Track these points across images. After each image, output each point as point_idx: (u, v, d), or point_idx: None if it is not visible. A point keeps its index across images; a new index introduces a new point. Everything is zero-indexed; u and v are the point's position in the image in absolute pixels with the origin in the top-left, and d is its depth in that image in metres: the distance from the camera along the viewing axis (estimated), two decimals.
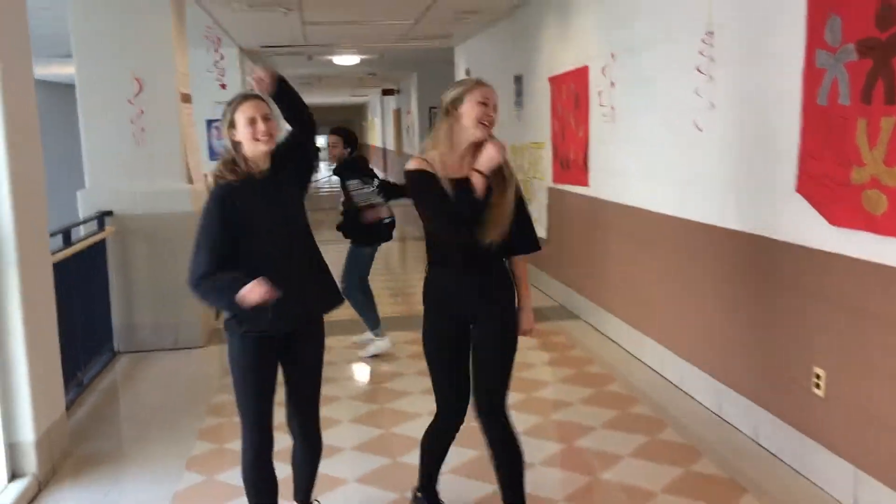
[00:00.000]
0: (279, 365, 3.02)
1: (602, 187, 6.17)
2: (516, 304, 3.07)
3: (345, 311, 4.28)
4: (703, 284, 4.59)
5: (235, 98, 2.96)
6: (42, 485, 3.83)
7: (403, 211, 5.73)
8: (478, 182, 2.82)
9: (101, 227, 5.98)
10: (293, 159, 3.04)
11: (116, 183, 6.10)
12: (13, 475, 3.74)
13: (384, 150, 26.87)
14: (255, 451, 2.97)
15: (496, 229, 2.86)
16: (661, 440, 4.19)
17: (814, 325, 3.57)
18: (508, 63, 8.84)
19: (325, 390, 3.27)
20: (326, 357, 3.16)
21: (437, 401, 3.10)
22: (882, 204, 3.04)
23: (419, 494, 3.35)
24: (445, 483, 3.44)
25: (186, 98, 6.46)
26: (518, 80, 8.41)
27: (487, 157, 2.83)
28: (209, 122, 11.33)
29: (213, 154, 11.37)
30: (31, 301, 3.81)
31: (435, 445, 3.22)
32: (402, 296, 8.20)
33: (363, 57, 13.49)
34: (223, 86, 10.01)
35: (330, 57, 13.41)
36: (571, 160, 6.76)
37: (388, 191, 5.83)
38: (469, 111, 2.87)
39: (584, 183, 6.52)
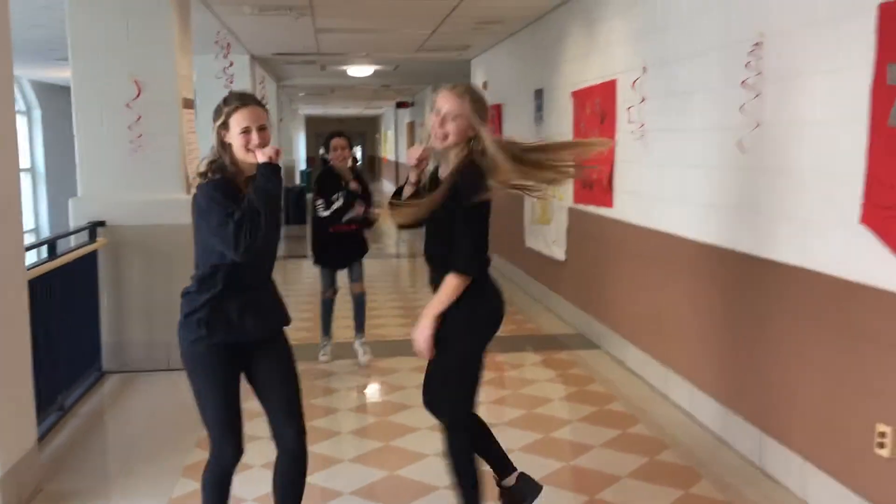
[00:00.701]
0: (252, 382, 2.96)
1: (628, 209, 5.76)
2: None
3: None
4: (743, 321, 4.17)
5: (232, 98, 2.85)
6: None
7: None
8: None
9: (93, 238, 5.62)
10: None
11: (110, 191, 5.74)
12: None
13: (396, 163, 26.56)
14: (222, 466, 2.91)
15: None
16: (694, 495, 3.76)
17: (879, 376, 3.14)
18: (528, 76, 8.46)
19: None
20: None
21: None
22: None
23: None
24: None
25: (188, 103, 6.10)
26: (538, 94, 8.03)
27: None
28: None
29: None
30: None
31: None
32: (411, 317, 7.80)
33: (377, 68, 13.17)
34: None
35: (344, 68, 13.10)
36: (595, 180, 6.36)
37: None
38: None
39: (608, 204, 6.11)
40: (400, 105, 21.02)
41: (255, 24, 8.56)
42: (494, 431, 4.14)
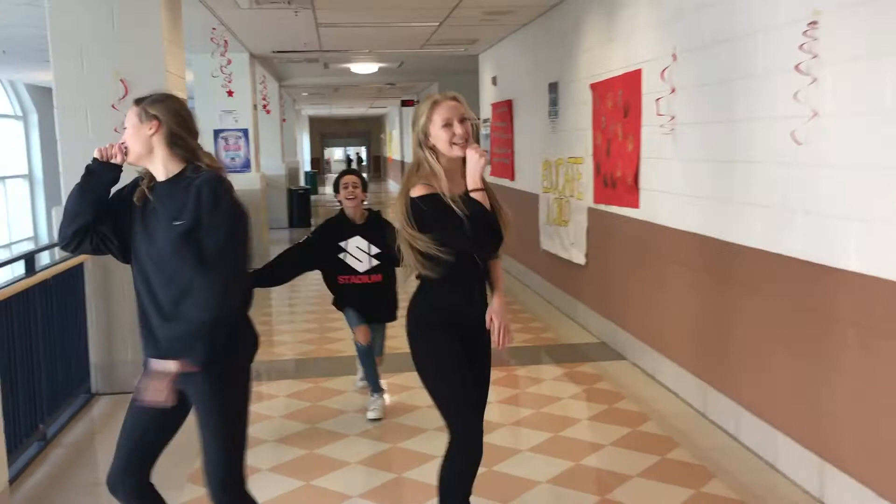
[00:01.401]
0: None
1: (656, 210, 5.31)
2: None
3: None
4: (801, 335, 3.71)
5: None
6: None
7: None
8: (481, 197, 2.83)
9: None
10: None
11: None
12: None
13: (402, 163, 26.13)
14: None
15: (508, 234, 2.93)
16: None
17: None
18: (541, 69, 8.01)
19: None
20: None
21: (455, 426, 2.92)
22: None
23: None
24: None
25: None
26: (553, 87, 7.58)
27: (472, 169, 2.83)
28: (216, 133, 10.62)
29: None
30: None
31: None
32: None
33: (382, 65, 12.74)
34: (230, 93, 9.27)
35: (347, 65, 12.67)
36: (618, 178, 5.91)
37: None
38: (438, 139, 2.86)
39: (634, 204, 5.66)
40: (405, 103, 20.58)
41: (253, 19, 8.14)
42: (515, 459, 3.77)
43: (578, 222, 6.89)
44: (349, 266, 4.69)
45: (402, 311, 3.65)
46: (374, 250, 4.69)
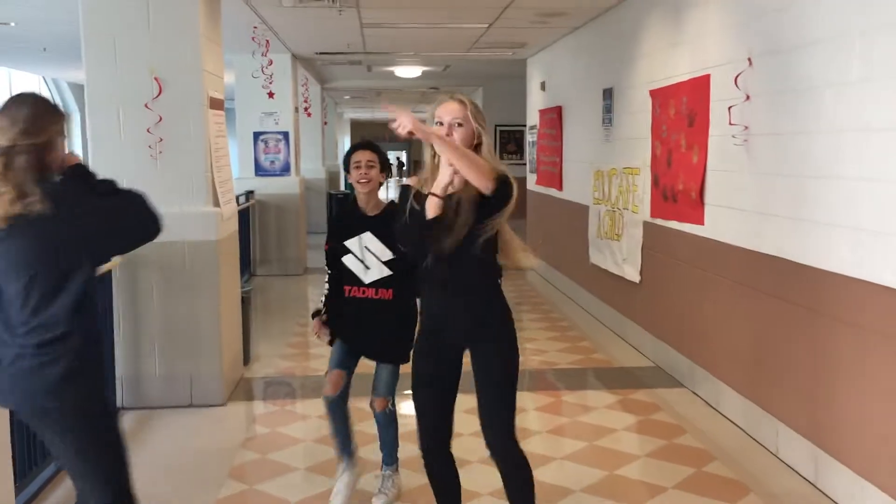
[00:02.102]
0: None
1: (723, 227, 4.89)
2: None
3: None
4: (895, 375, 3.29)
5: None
6: None
7: None
8: (430, 204, 2.79)
9: None
10: None
11: None
12: None
13: None
14: None
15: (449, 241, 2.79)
16: None
17: None
18: (595, 74, 7.61)
19: None
20: None
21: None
22: None
23: None
24: None
25: (217, 104, 5.39)
26: (607, 93, 7.18)
27: (438, 180, 2.78)
28: (256, 135, 10.39)
29: (259, 169, 10.41)
30: None
31: None
32: None
33: (426, 69, 12.42)
34: (271, 94, 9.00)
35: (391, 69, 12.38)
36: (679, 191, 5.50)
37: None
38: None
39: (697, 220, 5.24)
40: None
41: (296, 19, 7.86)
42: (569, 500, 3.48)
43: (633, 237, 6.48)
44: (352, 273, 3.55)
45: None
46: (387, 255, 3.50)
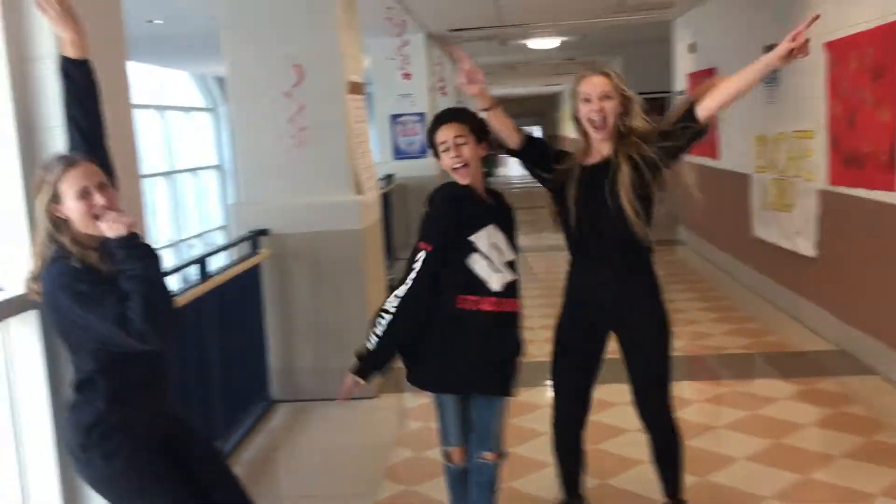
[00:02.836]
0: None
1: None
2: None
3: None
4: None
5: (54, 163, 2.15)
6: None
7: None
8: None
9: (255, 248, 4.89)
10: None
11: (273, 194, 4.99)
12: None
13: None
14: None
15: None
16: None
17: None
18: (755, 31, 6.95)
19: None
20: None
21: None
22: None
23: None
24: None
25: (356, 88, 5.23)
26: (770, 50, 6.51)
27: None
28: (393, 118, 10.30)
29: (397, 153, 10.33)
30: None
31: None
32: None
33: (564, 39, 11.94)
34: (407, 75, 8.85)
35: (525, 41, 11.98)
36: (866, 154, 4.87)
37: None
38: (581, 113, 2.87)
39: (889, 186, 4.62)
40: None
41: None
42: None
43: (806, 207, 5.86)
44: (475, 280, 2.69)
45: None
46: (511, 254, 2.79)
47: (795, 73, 6.00)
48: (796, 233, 6.09)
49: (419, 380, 2.83)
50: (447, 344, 2.71)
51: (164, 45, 10.89)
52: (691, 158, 9.03)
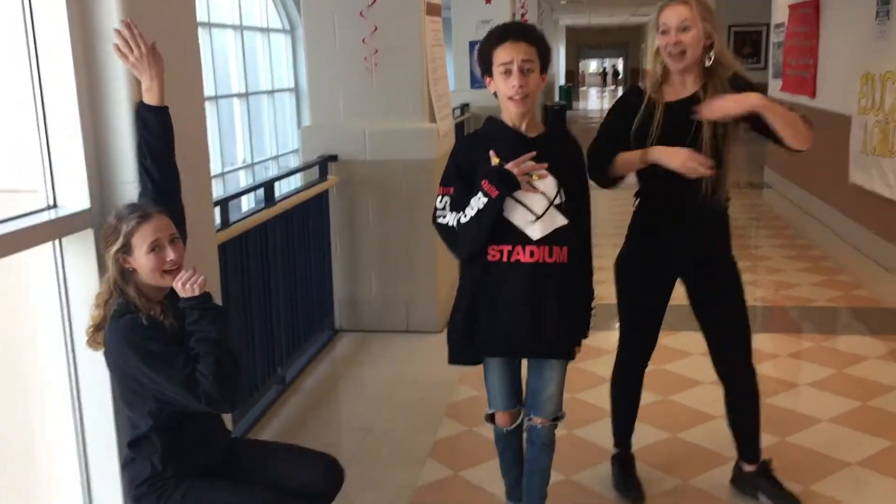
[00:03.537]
0: None
1: None
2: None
3: None
4: None
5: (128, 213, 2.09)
6: None
7: None
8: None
9: (324, 174, 4.78)
10: None
11: (343, 119, 4.84)
12: None
13: None
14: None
15: None
16: None
17: None
18: None
19: None
20: None
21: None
22: None
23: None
24: None
25: (433, 9, 4.98)
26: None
27: (667, 161, 2.61)
28: (472, 45, 9.98)
29: (474, 81, 10.04)
30: None
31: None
32: None
33: None
34: (488, 0, 8.51)
35: None
36: None
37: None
38: (660, 45, 2.66)
39: None
40: None
41: None
42: (845, 473, 3.16)
43: None
44: (510, 227, 2.34)
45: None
46: (560, 196, 2.38)
47: None
48: None
49: (452, 351, 2.51)
50: (476, 302, 2.40)
51: None
52: (786, 96, 8.53)
